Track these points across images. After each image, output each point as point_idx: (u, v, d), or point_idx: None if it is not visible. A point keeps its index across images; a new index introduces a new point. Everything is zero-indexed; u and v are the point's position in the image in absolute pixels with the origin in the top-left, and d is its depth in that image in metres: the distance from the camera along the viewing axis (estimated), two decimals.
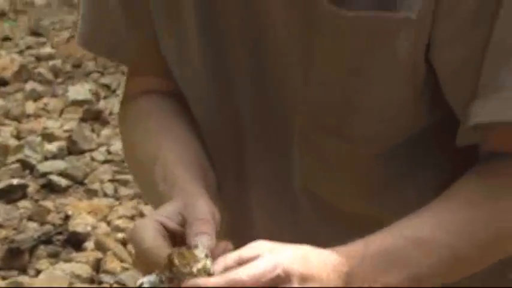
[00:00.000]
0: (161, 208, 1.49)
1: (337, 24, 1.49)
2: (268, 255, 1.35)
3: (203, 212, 1.42)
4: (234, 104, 1.70)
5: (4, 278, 5.34)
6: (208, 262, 1.34)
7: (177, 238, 1.42)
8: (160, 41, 1.71)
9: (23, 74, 7.75)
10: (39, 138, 6.74)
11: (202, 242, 1.35)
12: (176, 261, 1.34)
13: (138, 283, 1.41)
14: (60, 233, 5.70)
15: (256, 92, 1.67)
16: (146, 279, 1.38)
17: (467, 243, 1.53)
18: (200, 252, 1.34)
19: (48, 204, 6.10)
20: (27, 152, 6.46)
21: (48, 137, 6.73)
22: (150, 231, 1.41)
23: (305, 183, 1.70)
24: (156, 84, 1.79)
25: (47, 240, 5.59)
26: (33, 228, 5.65)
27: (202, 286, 1.30)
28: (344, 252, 1.42)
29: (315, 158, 1.67)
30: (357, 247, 1.44)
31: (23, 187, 6.09)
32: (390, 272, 1.47)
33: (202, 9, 1.64)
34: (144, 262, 1.44)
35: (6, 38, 8.65)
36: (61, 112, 7.25)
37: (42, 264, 5.39)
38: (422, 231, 1.49)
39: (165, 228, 1.42)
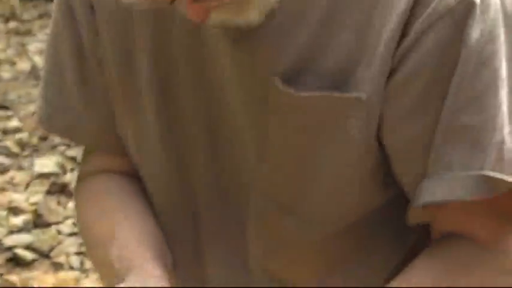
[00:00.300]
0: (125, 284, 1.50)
1: (291, 104, 1.53)
2: None
3: None
4: (189, 182, 1.73)
5: None
6: None
7: None
8: (117, 120, 1.73)
9: None
10: (4, 212, 6.76)
11: None
12: None
13: None
14: None
15: (212, 170, 1.70)
16: None
17: None
18: None
19: (14, 278, 5.99)
20: None
21: (14, 210, 6.73)
22: None
23: (261, 261, 1.71)
24: (113, 163, 1.82)
25: None
26: None
27: None
28: None
29: (270, 236, 1.68)
30: None
31: None
32: None
33: (160, 89, 1.67)
34: None
35: None
36: (27, 185, 7.22)
37: None
38: None
39: None
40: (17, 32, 10.73)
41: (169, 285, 1.52)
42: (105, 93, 1.77)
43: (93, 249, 1.82)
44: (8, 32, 10.78)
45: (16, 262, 6.14)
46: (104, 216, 1.75)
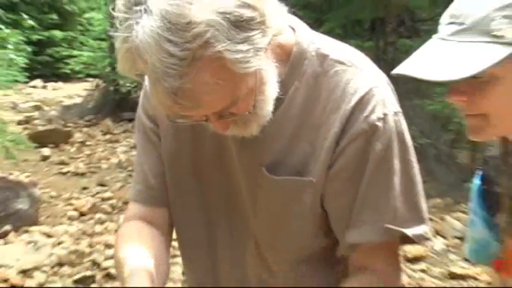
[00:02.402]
0: None
1: (271, 183, 1.92)
2: None
3: None
4: (212, 225, 2.12)
5: None
6: None
7: None
8: (170, 189, 2.13)
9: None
10: (102, 247, 7.31)
11: None
12: None
13: None
14: None
15: (228, 221, 2.10)
16: None
17: None
18: None
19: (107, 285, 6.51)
20: None
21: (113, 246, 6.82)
22: None
23: (257, 276, 2.12)
24: (147, 214, 2.11)
25: None
26: None
27: None
28: None
29: (261, 259, 2.08)
30: None
31: None
32: None
33: (196, 172, 2.08)
34: None
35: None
36: (115, 231, 7.55)
37: None
38: None
39: None
40: (110, 141, 11.70)
41: None
42: (159, 171, 2.12)
43: (117, 268, 1.91)
44: (105, 141, 11.79)
45: (109, 277, 6.76)
46: (125, 247, 1.92)
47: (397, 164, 1.85)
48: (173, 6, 1.43)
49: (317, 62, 1.86)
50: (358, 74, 1.85)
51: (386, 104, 1.83)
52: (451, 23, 1.70)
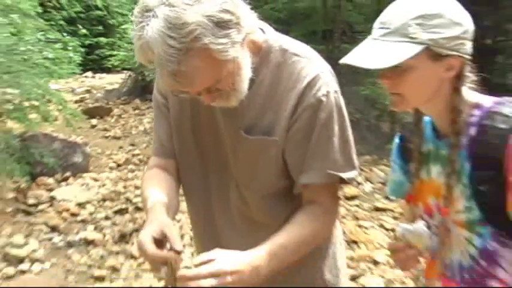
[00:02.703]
0: (150, 226, 1.71)
1: (247, 141, 1.93)
2: (218, 260, 1.64)
3: (174, 233, 1.68)
4: (207, 171, 2.09)
5: None
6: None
7: (159, 242, 1.66)
8: (176, 147, 2.11)
9: None
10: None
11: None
12: (173, 261, 1.63)
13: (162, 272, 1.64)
14: None
15: (217, 165, 2.06)
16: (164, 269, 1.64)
17: (300, 247, 1.88)
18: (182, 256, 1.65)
19: None
20: None
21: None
22: (149, 243, 1.66)
23: (238, 207, 2.07)
24: (163, 164, 2.12)
25: None
26: None
27: (186, 275, 1.61)
28: (259, 255, 1.74)
29: (240, 195, 2.04)
30: (264, 251, 1.75)
31: None
32: (275, 261, 1.78)
33: (194, 131, 2.05)
34: (151, 261, 1.67)
35: None
36: None
37: None
38: (282, 240, 1.82)
39: (155, 239, 1.66)
40: (138, 114, 11.60)
41: (169, 222, 1.73)
42: (169, 133, 2.10)
43: (143, 202, 1.97)
44: (135, 114, 11.70)
45: (138, 209, 6.77)
46: (149, 187, 1.98)
47: (336, 128, 1.89)
48: (172, 12, 1.52)
49: (280, 54, 1.89)
50: (309, 63, 1.89)
51: (328, 85, 1.88)
52: (381, 27, 1.76)
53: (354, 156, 1.97)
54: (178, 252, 1.63)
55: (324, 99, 1.85)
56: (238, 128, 1.92)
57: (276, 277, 1.84)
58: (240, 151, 1.96)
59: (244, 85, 1.77)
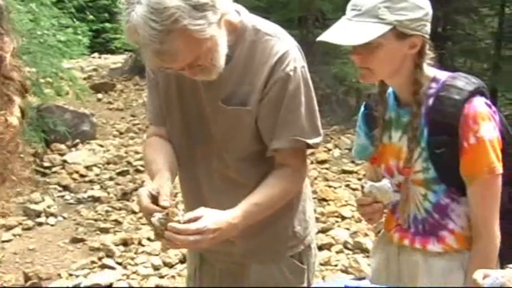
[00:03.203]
0: (149, 185, 1.79)
1: (224, 111, 1.90)
2: (204, 218, 1.67)
3: (166, 192, 1.71)
4: (192, 138, 2.02)
5: None
6: (181, 218, 1.64)
7: (154, 198, 1.71)
8: (166, 116, 2.05)
9: None
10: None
11: (173, 208, 1.66)
12: (169, 214, 1.63)
13: (153, 216, 1.65)
14: None
15: (201, 133, 2.00)
16: (157, 216, 1.64)
17: (271, 203, 1.89)
18: (178, 212, 1.65)
19: None
20: None
21: None
22: (144, 198, 1.72)
23: (218, 169, 2.01)
24: (160, 132, 2.08)
25: None
26: None
27: (176, 228, 1.62)
28: (235, 213, 1.76)
29: (220, 158, 1.99)
30: (239, 209, 1.78)
31: None
32: (248, 216, 1.80)
33: (180, 101, 1.99)
34: (144, 211, 1.75)
35: None
36: None
37: None
38: (256, 199, 1.84)
39: (151, 194, 1.72)
40: (138, 89, 11.52)
41: (168, 187, 1.75)
42: (160, 104, 2.04)
43: (147, 166, 2.06)
44: (135, 89, 11.64)
45: (138, 171, 6.80)
46: (151, 153, 2.00)
47: (303, 99, 1.88)
48: None
49: (253, 33, 1.87)
50: (279, 41, 1.87)
51: (296, 61, 1.87)
52: (353, 9, 1.76)
53: (319, 124, 1.96)
54: (164, 207, 1.65)
55: (292, 73, 1.84)
56: (217, 99, 1.89)
57: (253, 229, 1.88)
58: (219, 119, 1.93)
59: (222, 60, 1.75)
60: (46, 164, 6.97)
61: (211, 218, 1.69)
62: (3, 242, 5.09)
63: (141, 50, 1.66)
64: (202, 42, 1.64)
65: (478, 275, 1.41)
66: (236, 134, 1.95)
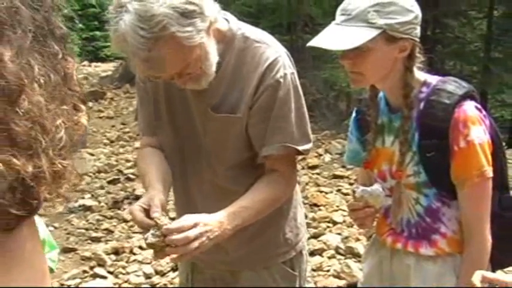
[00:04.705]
0: (141, 199, 1.76)
1: (214, 118, 1.89)
2: (192, 218, 1.65)
3: (156, 203, 1.69)
4: (182, 146, 2.02)
5: None
6: (168, 224, 1.62)
7: (148, 212, 1.68)
8: (156, 124, 2.05)
9: None
10: None
11: (160, 216, 1.64)
12: (158, 223, 1.62)
13: (145, 236, 1.63)
14: None
15: (193, 141, 1.99)
16: (148, 233, 1.62)
17: (261, 208, 1.87)
18: (165, 220, 1.63)
19: None
20: None
21: None
22: (137, 213, 1.69)
23: (209, 178, 2.00)
24: (152, 142, 2.07)
25: None
26: None
27: (168, 228, 1.60)
28: (225, 214, 1.74)
29: (210, 166, 1.99)
30: (228, 212, 1.76)
31: None
32: (238, 219, 1.77)
33: (169, 112, 1.98)
34: (140, 227, 1.70)
35: None
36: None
37: None
38: (245, 203, 1.82)
39: (143, 209, 1.70)
40: (128, 97, 11.51)
41: (160, 200, 1.72)
42: (151, 113, 2.03)
43: (141, 179, 2.05)
44: (126, 97, 11.61)
45: (128, 179, 6.79)
46: (144, 165, 1.99)
47: (293, 105, 1.88)
48: (142, 6, 1.53)
49: (242, 41, 1.87)
50: (268, 48, 1.87)
51: (285, 67, 1.86)
52: (342, 14, 1.76)
53: (309, 131, 1.95)
54: (153, 219, 1.64)
55: (281, 80, 1.83)
56: (206, 106, 1.88)
57: (244, 236, 1.91)
58: (209, 127, 1.93)
59: (212, 68, 1.75)
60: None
61: (201, 218, 1.67)
62: None
63: (129, 60, 1.64)
64: (191, 49, 1.64)
65: (476, 278, 1.41)
66: (226, 142, 1.94)
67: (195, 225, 1.62)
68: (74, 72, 0.65)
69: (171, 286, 4.35)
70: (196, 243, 1.61)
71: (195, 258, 2.08)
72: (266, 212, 1.91)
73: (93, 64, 16.66)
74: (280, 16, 9.97)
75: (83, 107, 0.66)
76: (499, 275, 1.49)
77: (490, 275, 1.43)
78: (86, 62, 16.87)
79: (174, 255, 1.65)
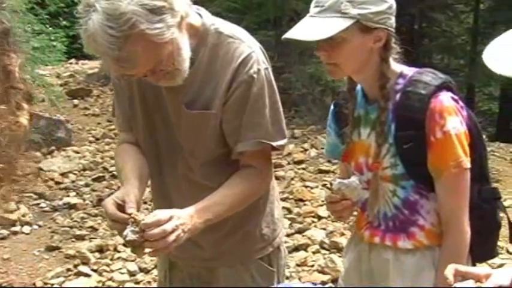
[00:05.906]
0: (115, 193, 1.75)
1: (188, 115, 1.87)
2: (166, 212, 1.63)
3: (131, 199, 1.68)
4: (158, 143, 2.00)
5: None
6: (145, 218, 1.60)
7: (121, 207, 1.68)
8: (131, 121, 2.01)
9: None
10: None
11: (137, 212, 1.64)
12: (137, 219, 1.60)
13: (124, 234, 1.60)
14: None
15: (166, 137, 1.98)
16: (127, 231, 1.60)
17: (233, 203, 1.86)
18: (141, 216, 1.61)
19: None
20: None
21: None
22: (110, 205, 1.68)
23: (185, 174, 1.98)
24: (129, 138, 2.05)
25: None
26: None
27: (146, 223, 1.59)
28: (196, 208, 1.73)
29: (186, 162, 1.96)
30: (199, 206, 1.74)
31: None
32: (209, 214, 1.76)
33: (143, 109, 1.95)
34: (110, 219, 1.69)
35: None
36: None
37: None
38: (217, 198, 1.82)
39: (116, 203, 1.69)
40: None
41: (135, 195, 1.72)
42: (126, 110, 2.00)
43: (118, 175, 2.06)
44: (111, 94, 11.43)
45: (114, 176, 6.65)
46: (120, 161, 1.97)
47: (267, 101, 1.87)
48: (109, 4, 1.52)
49: (216, 36, 1.85)
50: (242, 44, 1.85)
51: (259, 63, 1.85)
52: (316, 6, 1.77)
53: (284, 126, 1.95)
54: (129, 214, 1.62)
55: (255, 75, 1.82)
56: (180, 103, 1.87)
57: (221, 232, 1.93)
58: (183, 123, 1.90)
59: (186, 64, 1.73)
60: (20, 172, 6.80)
61: (174, 212, 1.66)
62: None
63: (102, 59, 1.60)
64: (162, 46, 1.62)
65: (449, 272, 1.39)
66: (201, 138, 1.92)
67: (170, 218, 1.61)
68: (16, 69, 0.60)
69: (155, 283, 4.32)
70: (173, 236, 1.60)
71: (171, 255, 2.07)
72: (240, 207, 1.90)
73: (80, 62, 16.52)
74: (266, 11, 9.91)
75: (26, 106, 0.61)
76: (472, 268, 1.47)
77: (462, 268, 1.40)
78: (73, 60, 16.73)
79: (152, 250, 1.63)
